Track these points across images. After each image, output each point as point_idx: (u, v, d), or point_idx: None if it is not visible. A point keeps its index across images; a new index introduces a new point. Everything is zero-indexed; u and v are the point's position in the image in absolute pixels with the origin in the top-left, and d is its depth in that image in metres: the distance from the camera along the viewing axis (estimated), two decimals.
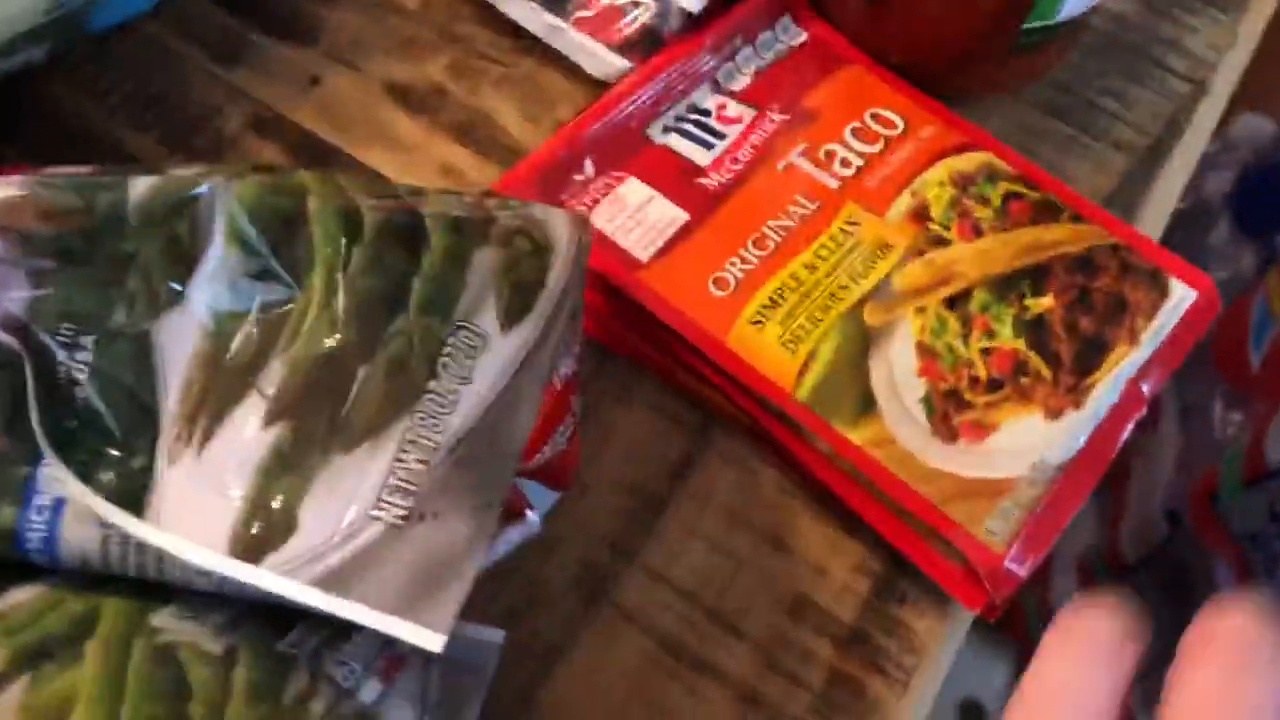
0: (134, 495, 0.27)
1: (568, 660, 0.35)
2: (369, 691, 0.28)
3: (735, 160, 0.40)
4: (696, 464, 0.39)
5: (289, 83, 0.44)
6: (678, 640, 0.36)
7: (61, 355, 0.28)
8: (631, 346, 0.40)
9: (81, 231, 0.27)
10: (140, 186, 0.27)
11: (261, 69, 0.44)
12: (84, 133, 0.42)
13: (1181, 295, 0.38)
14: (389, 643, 0.30)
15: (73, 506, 0.27)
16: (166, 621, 0.27)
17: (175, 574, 0.28)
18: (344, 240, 0.27)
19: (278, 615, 0.29)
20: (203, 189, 0.27)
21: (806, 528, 0.38)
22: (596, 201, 0.39)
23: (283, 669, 0.27)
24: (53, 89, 0.43)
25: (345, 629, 0.30)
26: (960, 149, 0.41)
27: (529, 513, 0.32)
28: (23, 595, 0.27)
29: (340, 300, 0.27)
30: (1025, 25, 0.42)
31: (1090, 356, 0.37)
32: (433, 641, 0.24)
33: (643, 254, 0.38)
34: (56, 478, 0.27)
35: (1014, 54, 0.43)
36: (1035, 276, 0.38)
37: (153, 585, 0.28)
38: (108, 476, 0.27)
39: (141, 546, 0.27)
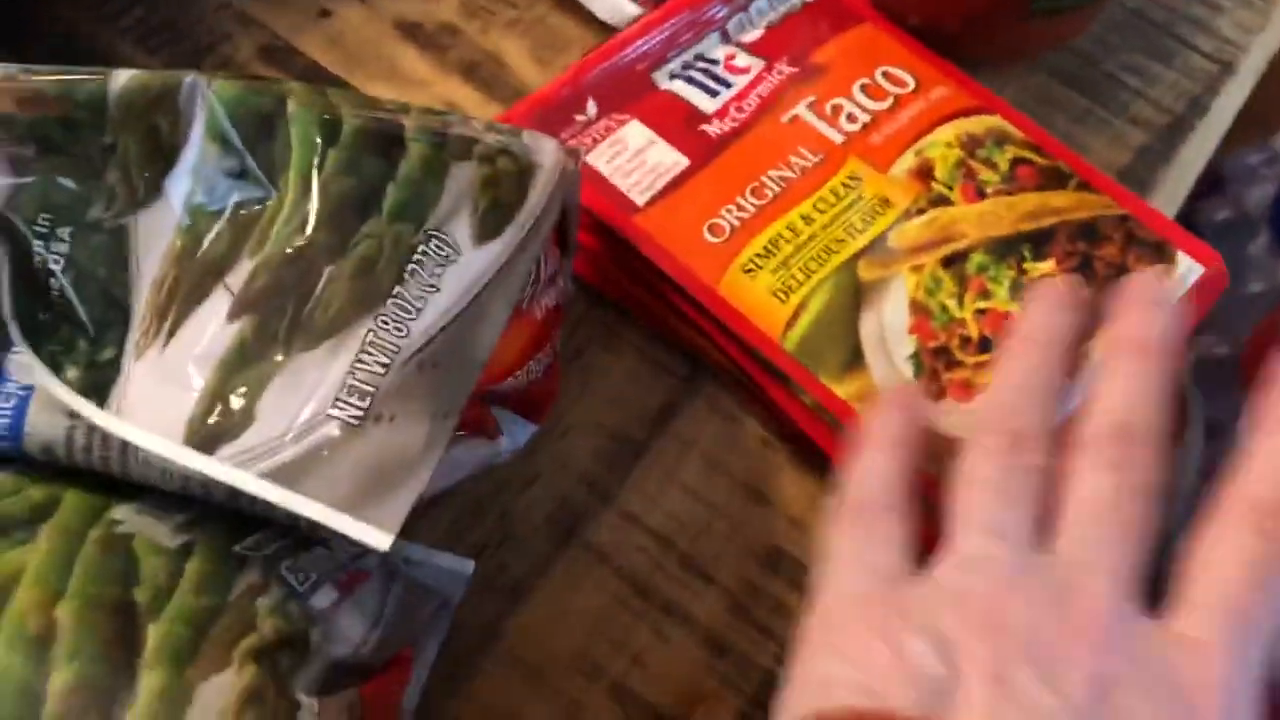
0: (100, 386, 0.27)
1: (536, 595, 0.35)
2: (322, 597, 0.28)
3: (740, 109, 0.40)
4: (681, 411, 0.39)
5: (300, 13, 0.44)
6: (648, 583, 0.36)
7: (38, 246, 0.28)
8: (623, 290, 0.39)
9: (62, 120, 0.27)
10: (121, 78, 0.27)
11: None
12: (94, 54, 0.42)
13: (1187, 268, 0.37)
14: (355, 558, 0.30)
15: (40, 395, 0.27)
16: (126, 515, 0.27)
17: (138, 470, 0.28)
18: (320, 142, 0.27)
19: (239, 521, 0.29)
20: (184, 83, 0.27)
21: (787, 481, 0.38)
22: (597, 142, 0.39)
23: (235, 567, 0.27)
24: (65, 9, 0.43)
25: (306, 540, 0.30)
26: (971, 111, 0.40)
27: (500, 437, 0.32)
28: None
29: (313, 201, 0.27)
30: None
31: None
32: (380, 540, 0.24)
33: (639, 197, 0.38)
34: (26, 365, 0.27)
35: (1031, 19, 0.42)
36: (1037, 241, 0.37)
37: (117, 483, 0.28)
38: (76, 367, 0.27)
39: (105, 439, 0.27)
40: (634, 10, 0.42)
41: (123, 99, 0.27)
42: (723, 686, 0.34)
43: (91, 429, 0.27)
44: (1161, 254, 0.38)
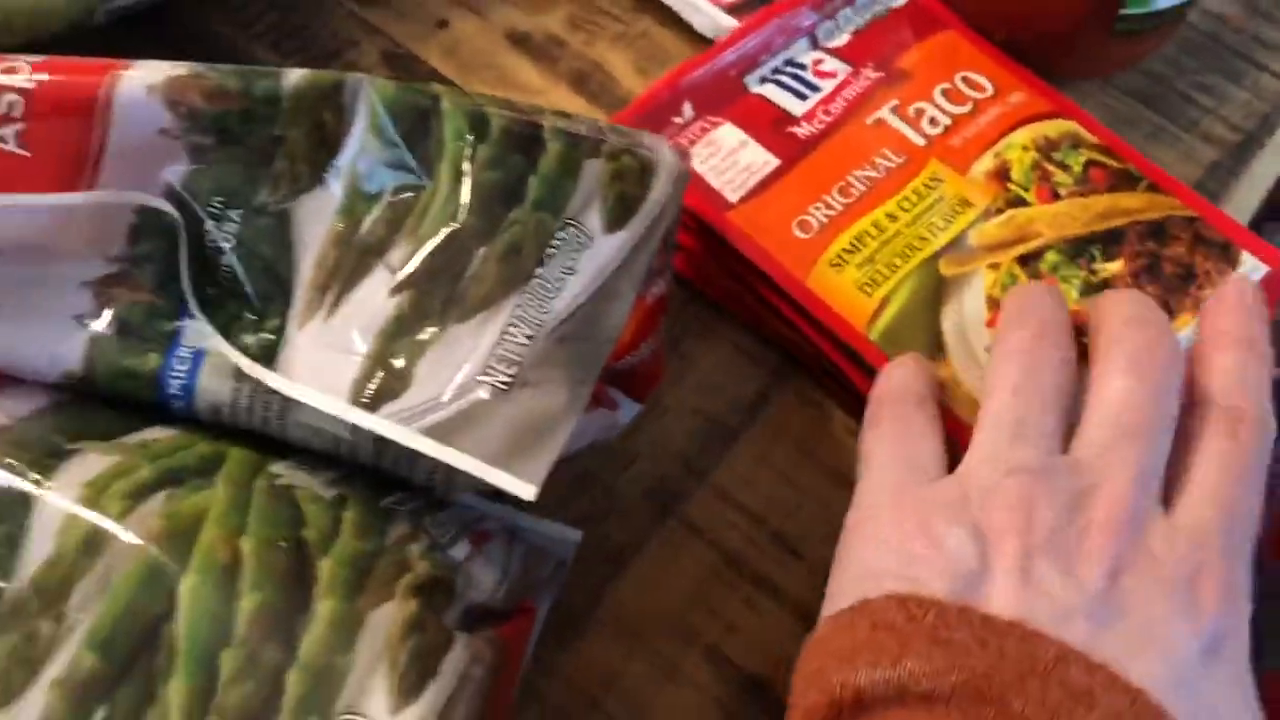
0: (266, 352, 0.30)
1: (636, 565, 0.38)
2: (459, 550, 0.30)
3: (827, 112, 0.42)
4: (771, 400, 0.41)
5: (419, 23, 0.47)
6: (741, 557, 0.38)
7: (210, 226, 0.31)
8: (719, 286, 0.42)
9: (240, 113, 0.30)
10: (293, 76, 0.30)
11: (395, 9, 0.47)
12: (229, 57, 0.45)
13: (1252, 268, 0.40)
14: (479, 519, 0.33)
15: (211, 359, 0.30)
16: (284, 469, 0.30)
17: (294, 431, 0.31)
18: (471, 137, 0.30)
19: (380, 480, 0.32)
20: (348, 82, 0.30)
21: None
22: (692, 143, 0.42)
23: (385, 518, 0.30)
24: (203, 16, 0.46)
25: (439, 501, 0.33)
26: (1046, 116, 0.43)
27: (617, 410, 0.35)
28: (161, 433, 0.30)
29: (465, 190, 0.30)
30: (1123, 11, 0.43)
31: None
32: (526, 491, 0.27)
33: (733, 195, 0.41)
34: (199, 332, 0.30)
35: (1111, 38, 0.45)
36: (1108, 241, 0.40)
37: (272, 442, 0.31)
38: (244, 335, 0.30)
39: (267, 400, 0.30)
40: (732, 24, 0.45)
41: (294, 95, 0.30)
42: None
43: (255, 391, 0.30)
44: (1227, 254, 0.40)
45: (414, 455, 0.31)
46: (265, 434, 0.31)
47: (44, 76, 0.29)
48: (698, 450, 0.40)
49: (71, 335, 0.30)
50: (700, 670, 0.36)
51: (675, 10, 0.47)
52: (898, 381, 0.35)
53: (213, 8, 0.46)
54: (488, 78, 0.46)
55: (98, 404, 0.31)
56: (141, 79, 0.30)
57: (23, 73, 0.29)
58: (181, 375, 0.30)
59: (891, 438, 0.33)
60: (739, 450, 0.40)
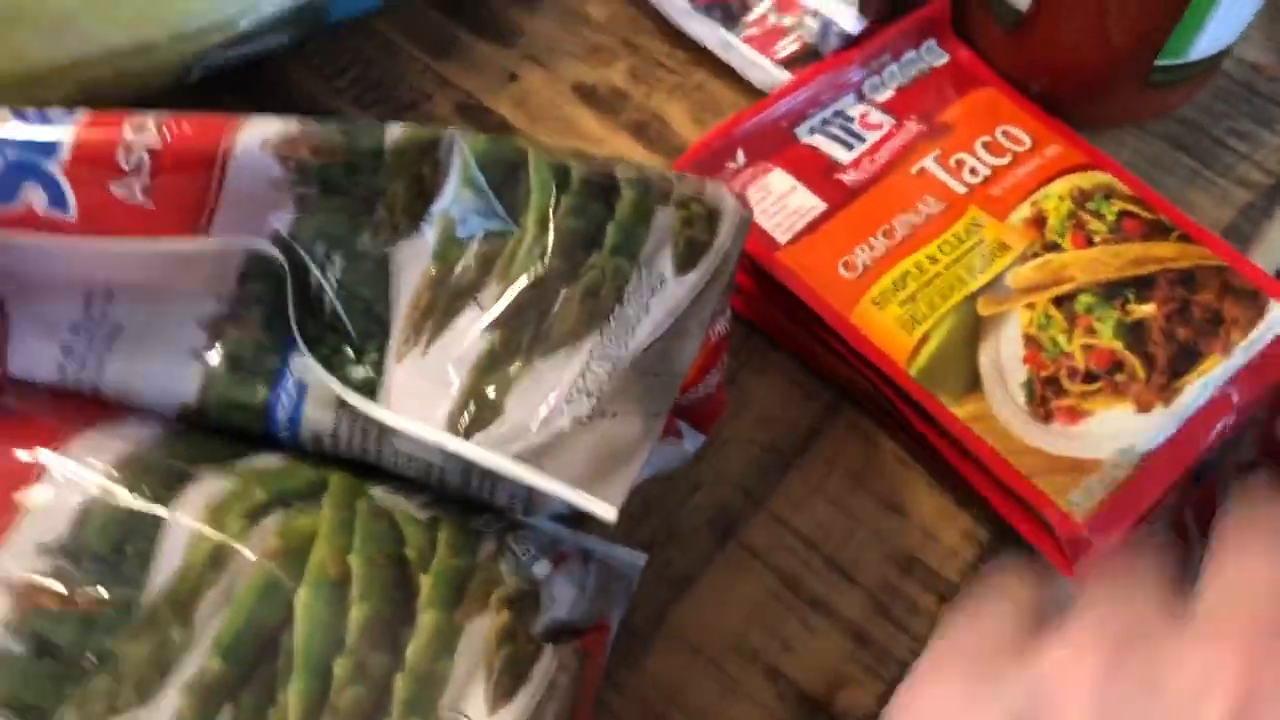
0: (367, 385, 0.33)
1: (698, 587, 0.40)
2: (541, 568, 0.33)
3: (873, 161, 0.45)
4: (825, 432, 0.43)
5: (490, 77, 0.50)
6: (797, 579, 0.40)
7: (314, 269, 0.34)
8: (773, 323, 0.45)
9: (344, 166, 0.33)
10: (394, 131, 0.33)
11: (467, 63, 0.50)
12: (313, 109, 0.49)
13: (1279, 316, 0.42)
14: (554, 541, 0.35)
15: (314, 391, 0.33)
16: (380, 493, 0.33)
17: (389, 458, 0.33)
18: (555, 188, 0.33)
19: (466, 504, 0.34)
20: (444, 137, 0.33)
21: (921, 496, 0.42)
22: (745, 187, 0.44)
23: (475, 538, 0.32)
24: (289, 71, 0.50)
25: (518, 523, 0.35)
26: (1082, 168, 0.45)
27: (683, 441, 0.37)
28: (268, 460, 0.33)
29: (549, 236, 0.33)
30: (1158, 61, 0.46)
31: (1183, 361, 0.41)
32: (609, 512, 0.29)
33: (782, 236, 0.43)
34: (303, 366, 0.33)
35: (1146, 88, 0.47)
36: (1140, 286, 0.42)
37: (366, 468, 0.34)
38: (345, 369, 0.33)
39: (365, 430, 0.33)
40: (785, 77, 0.48)
41: (395, 150, 0.33)
42: (864, 673, 0.39)
43: (354, 420, 0.33)
44: (1256, 301, 0.42)
45: (497, 479, 0.33)
46: (361, 461, 0.34)
47: (169, 134, 0.32)
48: (755, 479, 0.42)
49: (188, 369, 0.33)
50: (760, 687, 0.38)
51: (731, 64, 0.50)
52: (996, 582, 0.31)
53: (297, 64, 0.50)
54: (554, 128, 0.49)
55: (208, 433, 0.34)
56: (256, 135, 0.32)
57: (150, 130, 0.32)
58: (288, 407, 0.33)
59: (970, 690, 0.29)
60: (794, 479, 0.42)
